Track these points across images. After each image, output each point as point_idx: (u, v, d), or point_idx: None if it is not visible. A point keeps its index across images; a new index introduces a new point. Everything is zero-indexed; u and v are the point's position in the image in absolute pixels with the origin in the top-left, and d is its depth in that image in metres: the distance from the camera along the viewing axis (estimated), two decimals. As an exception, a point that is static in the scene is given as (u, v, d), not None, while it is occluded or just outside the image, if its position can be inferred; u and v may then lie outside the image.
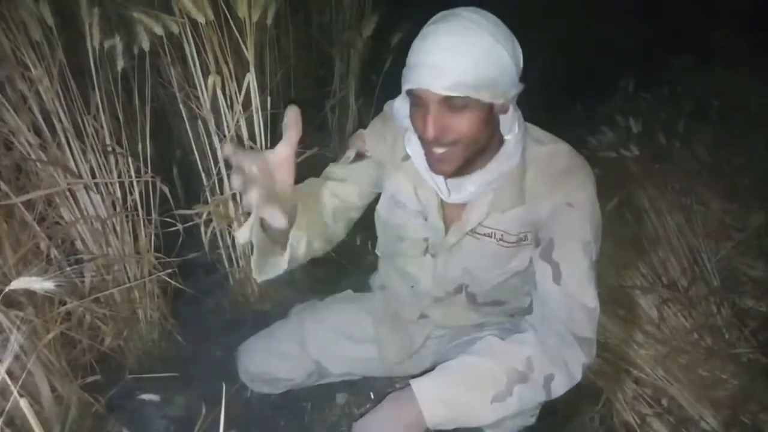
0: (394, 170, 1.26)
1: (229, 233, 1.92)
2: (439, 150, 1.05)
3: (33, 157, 1.52)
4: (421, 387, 1.10)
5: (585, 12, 3.66)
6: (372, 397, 1.64)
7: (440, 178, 1.15)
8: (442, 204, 1.21)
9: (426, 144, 1.07)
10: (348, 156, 1.29)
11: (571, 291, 1.09)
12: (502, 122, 1.08)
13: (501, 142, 1.12)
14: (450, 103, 1.00)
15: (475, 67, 0.97)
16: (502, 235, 1.17)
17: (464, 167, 1.09)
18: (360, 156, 1.28)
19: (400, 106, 1.14)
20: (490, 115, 1.04)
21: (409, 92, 1.04)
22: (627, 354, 1.75)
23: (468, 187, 1.14)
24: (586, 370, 1.11)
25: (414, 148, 1.18)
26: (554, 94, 3.04)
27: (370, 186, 1.31)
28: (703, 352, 1.73)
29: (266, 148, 1.77)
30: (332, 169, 1.31)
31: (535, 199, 1.13)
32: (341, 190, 1.29)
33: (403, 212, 1.27)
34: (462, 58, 0.97)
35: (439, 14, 1.04)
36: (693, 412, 1.65)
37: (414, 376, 1.56)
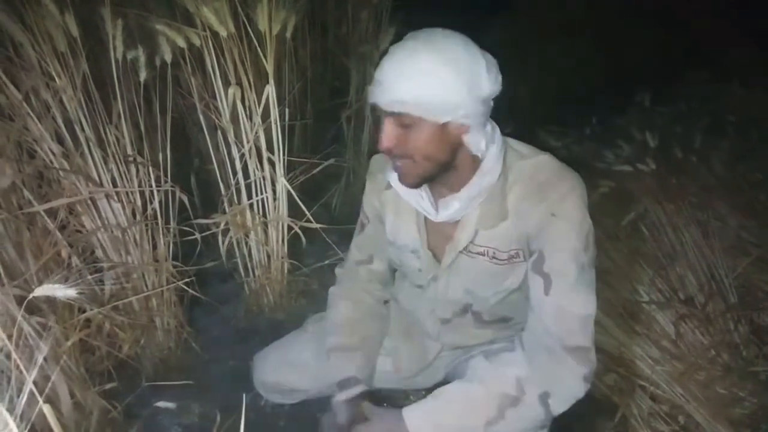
0: (385, 215, 1.33)
1: (246, 243, 1.94)
2: (396, 162, 1.11)
3: (56, 165, 1.55)
4: (411, 414, 1.15)
5: (602, 27, 3.66)
6: (385, 407, 1.64)
7: (426, 201, 1.19)
8: (427, 231, 1.26)
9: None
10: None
11: (560, 301, 1.09)
12: (467, 140, 1.09)
13: (478, 158, 1.13)
14: (398, 119, 1.05)
15: (414, 84, 1.01)
16: (494, 252, 1.18)
17: (429, 181, 1.14)
18: (363, 225, 1.41)
19: None
20: (442, 134, 1.06)
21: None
22: (643, 370, 1.73)
23: (454, 203, 1.15)
24: (592, 381, 1.10)
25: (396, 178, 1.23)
26: (570, 108, 3.05)
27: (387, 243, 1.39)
28: (720, 370, 1.71)
29: (283, 158, 1.80)
30: (356, 257, 1.45)
31: (521, 214, 1.13)
32: (376, 268, 1.45)
33: (395, 249, 1.35)
34: (400, 75, 1.02)
35: (409, 34, 1.09)
36: (710, 430, 1.63)
37: (427, 389, 1.58)
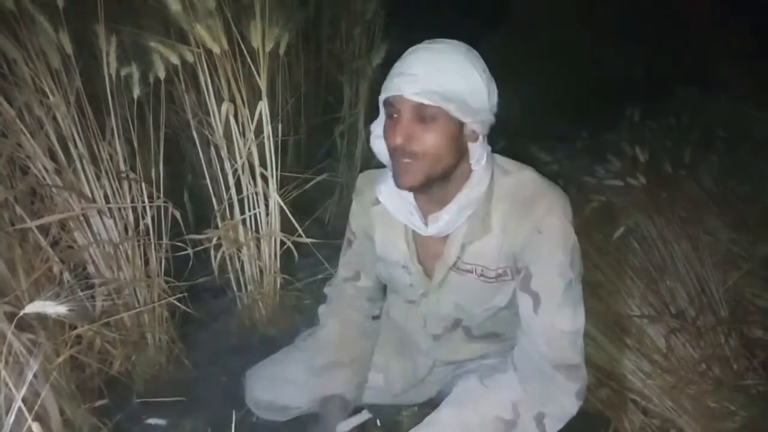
0: (374, 232, 1.32)
1: (239, 258, 1.94)
2: (404, 160, 1.06)
3: (48, 181, 1.55)
4: None
5: (592, 41, 3.71)
6: (378, 424, 1.63)
7: (416, 216, 1.18)
8: (416, 246, 1.26)
9: (393, 154, 1.08)
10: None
11: (549, 319, 1.10)
12: (471, 151, 1.10)
13: (470, 170, 1.14)
14: (421, 114, 1.03)
15: (446, 79, 1.02)
16: (482, 270, 1.19)
17: (427, 187, 1.10)
18: (350, 242, 1.40)
19: (378, 129, 1.16)
20: (458, 136, 1.07)
21: (385, 104, 1.07)
22: (635, 384, 1.74)
23: (443, 216, 1.15)
24: (585, 397, 1.11)
25: (385, 193, 1.22)
26: (561, 123, 3.07)
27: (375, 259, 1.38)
28: (711, 383, 1.72)
29: (276, 173, 1.81)
30: (343, 274, 1.44)
31: (507, 232, 1.13)
32: (363, 285, 1.44)
33: (385, 265, 1.34)
34: (433, 69, 1.03)
35: (426, 40, 1.09)
36: (702, 443, 1.64)
37: (419, 405, 1.58)
